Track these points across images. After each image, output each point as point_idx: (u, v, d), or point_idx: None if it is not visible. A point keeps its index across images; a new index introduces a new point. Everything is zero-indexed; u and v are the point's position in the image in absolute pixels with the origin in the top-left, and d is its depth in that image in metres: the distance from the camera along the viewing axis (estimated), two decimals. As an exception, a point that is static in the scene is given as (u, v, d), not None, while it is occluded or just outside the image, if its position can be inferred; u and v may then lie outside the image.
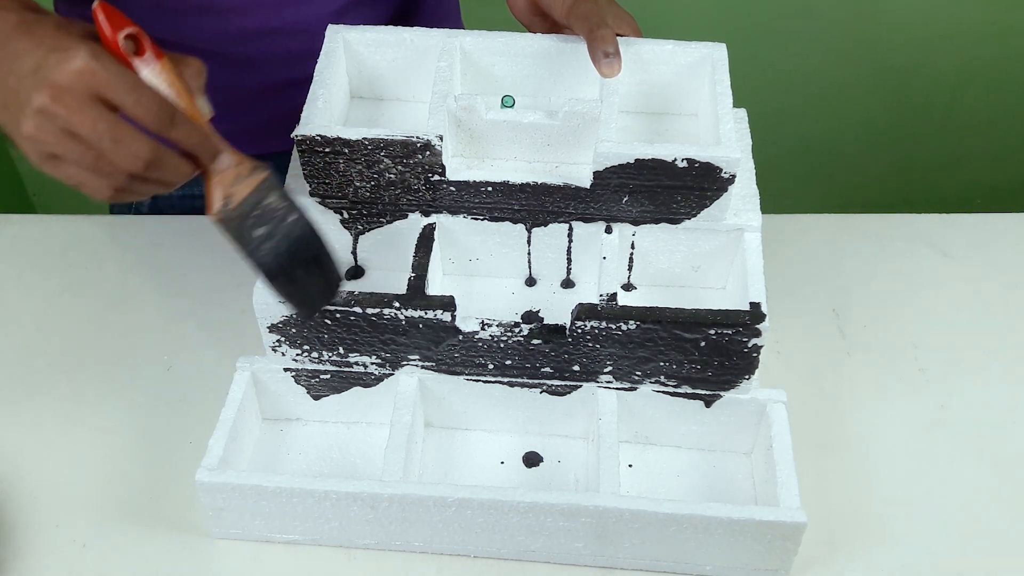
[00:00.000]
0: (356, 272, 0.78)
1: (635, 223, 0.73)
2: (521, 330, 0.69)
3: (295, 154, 0.72)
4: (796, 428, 0.71)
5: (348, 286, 0.77)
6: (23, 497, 0.73)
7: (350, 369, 0.72)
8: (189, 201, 0.95)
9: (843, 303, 0.85)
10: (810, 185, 1.75)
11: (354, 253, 0.77)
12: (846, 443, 0.76)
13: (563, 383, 0.71)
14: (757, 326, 0.66)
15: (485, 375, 0.71)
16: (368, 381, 0.73)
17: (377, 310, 0.68)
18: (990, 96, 1.64)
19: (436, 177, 0.71)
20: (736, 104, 0.72)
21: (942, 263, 0.89)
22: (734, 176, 0.69)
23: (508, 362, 0.70)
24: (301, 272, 0.64)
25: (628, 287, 0.77)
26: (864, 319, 0.84)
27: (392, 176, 0.71)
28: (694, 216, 0.72)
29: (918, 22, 1.56)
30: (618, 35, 0.72)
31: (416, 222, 0.73)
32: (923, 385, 0.80)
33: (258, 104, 0.90)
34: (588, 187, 0.70)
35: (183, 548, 0.70)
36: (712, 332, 0.67)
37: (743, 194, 0.73)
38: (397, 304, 0.68)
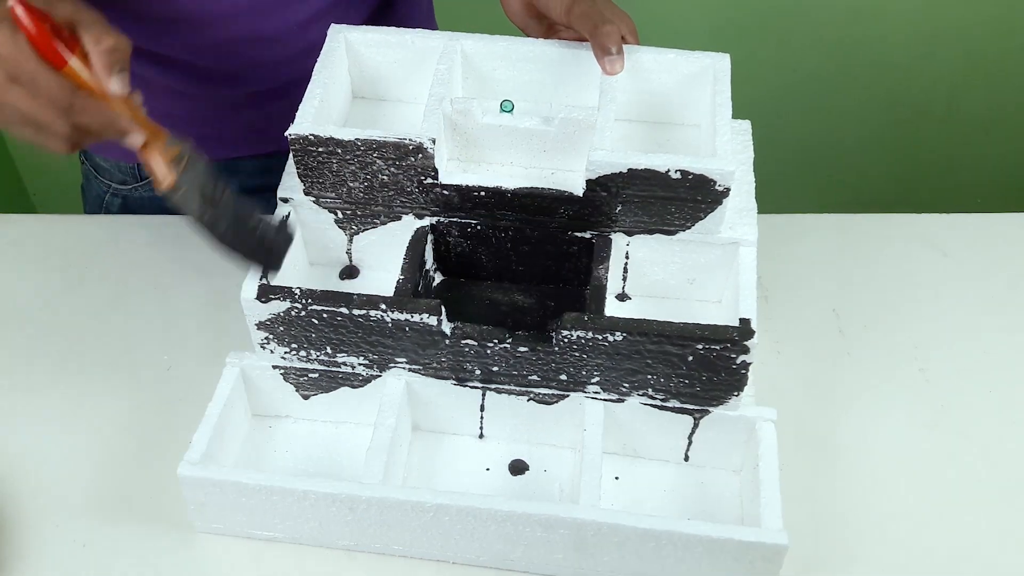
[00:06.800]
0: (351, 272, 0.78)
1: (629, 233, 0.72)
2: (508, 336, 0.68)
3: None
4: (795, 428, 0.71)
5: (343, 286, 0.77)
6: (23, 497, 0.73)
7: (338, 369, 0.72)
8: None
9: (843, 303, 0.84)
10: (810, 185, 1.74)
11: (348, 253, 0.77)
12: (845, 444, 0.75)
13: (551, 392, 0.71)
14: (745, 343, 0.65)
15: (472, 380, 0.71)
16: (356, 382, 0.72)
17: (364, 311, 0.68)
18: (990, 96, 1.63)
19: (429, 180, 0.70)
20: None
21: (942, 263, 0.88)
22: (728, 189, 0.68)
23: (495, 368, 0.70)
24: (251, 233, 0.68)
25: (622, 297, 0.76)
26: (864, 319, 0.83)
27: (385, 178, 0.71)
28: (688, 228, 0.71)
29: (918, 22, 1.54)
30: None
31: (410, 224, 0.73)
32: (923, 385, 0.79)
33: (234, 111, 0.90)
34: (581, 195, 0.70)
35: (184, 548, 0.70)
36: (700, 347, 0.66)
37: (740, 208, 0.72)
38: (384, 306, 0.67)
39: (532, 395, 0.71)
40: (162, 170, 0.63)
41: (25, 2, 0.58)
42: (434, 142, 0.68)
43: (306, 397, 0.74)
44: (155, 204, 0.97)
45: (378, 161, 0.70)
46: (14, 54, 0.59)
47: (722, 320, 0.72)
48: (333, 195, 0.73)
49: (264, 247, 0.68)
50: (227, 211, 0.66)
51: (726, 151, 0.68)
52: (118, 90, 0.61)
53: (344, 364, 0.72)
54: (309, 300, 0.68)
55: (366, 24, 0.83)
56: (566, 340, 0.67)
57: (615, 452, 0.74)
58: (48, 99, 0.60)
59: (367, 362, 0.71)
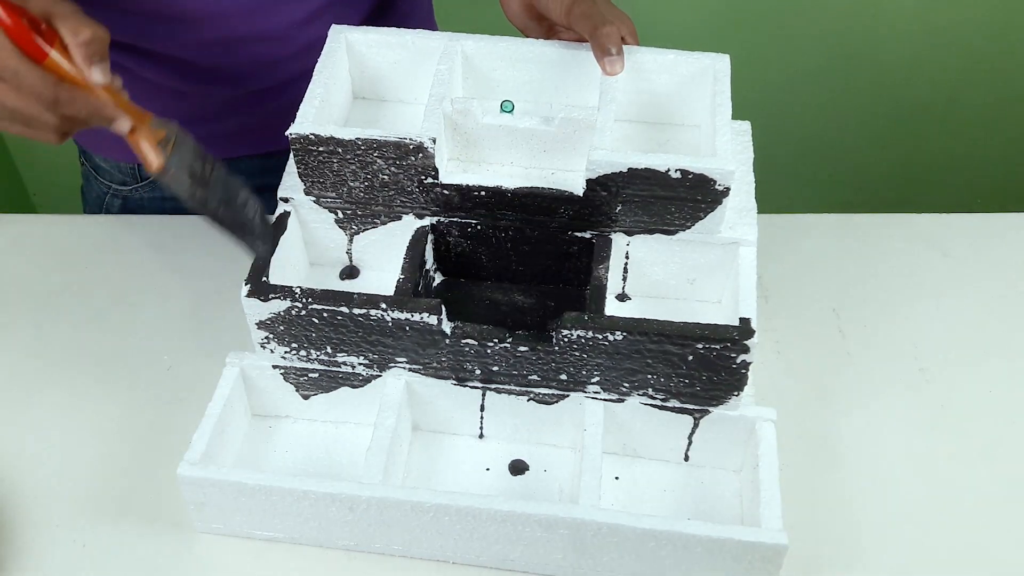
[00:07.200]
0: (351, 272, 0.78)
1: (629, 233, 0.72)
2: (508, 336, 0.68)
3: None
4: (794, 428, 0.70)
5: (343, 286, 0.77)
6: (23, 497, 0.73)
7: (338, 369, 0.72)
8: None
9: (843, 303, 0.85)
10: (810, 185, 1.74)
11: (349, 253, 0.77)
12: (845, 443, 0.75)
13: (551, 392, 0.71)
14: (745, 342, 0.65)
15: (472, 380, 0.71)
16: (356, 382, 0.72)
17: (364, 311, 0.68)
18: (990, 96, 1.63)
19: (429, 180, 0.70)
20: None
21: (942, 263, 0.88)
22: (728, 189, 0.68)
23: (495, 368, 0.70)
24: (241, 210, 0.68)
25: (623, 297, 0.76)
26: (864, 319, 0.84)
27: (385, 177, 0.71)
28: (688, 228, 0.71)
29: (918, 22, 1.55)
30: None
31: (410, 224, 0.73)
32: (923, 385, 0.79)
33: (233, 110, 0.91)
34: (581, 195, 0.70)
35: (184, 547, 0.70)
36: (700, 346, 0.66)
37: (740, 207, 0.72)
38: (384, 306, 0.67)
39: (532, 395, 0.71)
40: (151, 153, 0.64)
41: None
42: (434, 142, 0.68)
43: (306, 397, 0.74)
44: (155, 205, 0.97)
45: (379, 161, 0.70)
46: None
47: (722, 320, 0.72)
48: (333, 195, 0.73)
49: (253, 225, 0.68)
50: (216, 188, 0.66)
51: (726, 151, 0.68)
52: (99, 79, 0.61)
53: (344, 364, 0.72)
54: (309, 299, 0.68)
55: (365, 23, 0.83)
56: (566, 340, 0.67)
57: (615, 452, 0.74)
58: (33, 93, 0.60)
59: (367, 362, 0.71)
